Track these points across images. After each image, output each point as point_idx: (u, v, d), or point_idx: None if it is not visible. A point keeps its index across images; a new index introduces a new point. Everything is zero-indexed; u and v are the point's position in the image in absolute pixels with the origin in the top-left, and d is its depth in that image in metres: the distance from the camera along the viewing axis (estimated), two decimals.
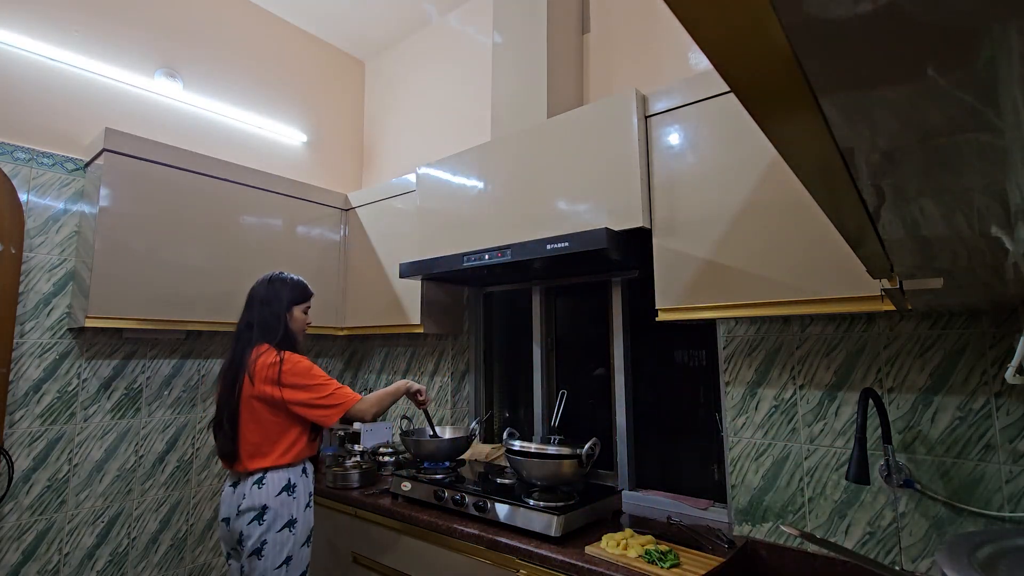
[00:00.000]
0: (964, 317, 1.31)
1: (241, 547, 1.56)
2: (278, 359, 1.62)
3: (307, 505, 1.65)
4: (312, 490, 1.69)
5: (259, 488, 1.57)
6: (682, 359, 1.94)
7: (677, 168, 1.52)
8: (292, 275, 1.81)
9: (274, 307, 1.72)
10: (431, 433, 2.04)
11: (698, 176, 1.48)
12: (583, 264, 1.86)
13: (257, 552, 1.54)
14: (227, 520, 1.62)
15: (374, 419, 1.67)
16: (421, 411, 1.94)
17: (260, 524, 1.55)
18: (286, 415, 1.62)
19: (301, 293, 1.79)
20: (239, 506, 1.57)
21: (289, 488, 1.60)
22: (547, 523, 1.50)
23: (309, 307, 1.82)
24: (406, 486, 1.91)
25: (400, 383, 1.80)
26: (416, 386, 1.82)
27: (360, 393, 1.72)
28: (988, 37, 0.24)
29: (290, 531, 1.58)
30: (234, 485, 1.62)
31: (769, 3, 0.23)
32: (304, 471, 1.67)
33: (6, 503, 1.84)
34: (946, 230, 0.51)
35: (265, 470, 1.59)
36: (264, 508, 1.56)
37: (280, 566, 1.55)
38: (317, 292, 2.55)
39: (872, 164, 0.37)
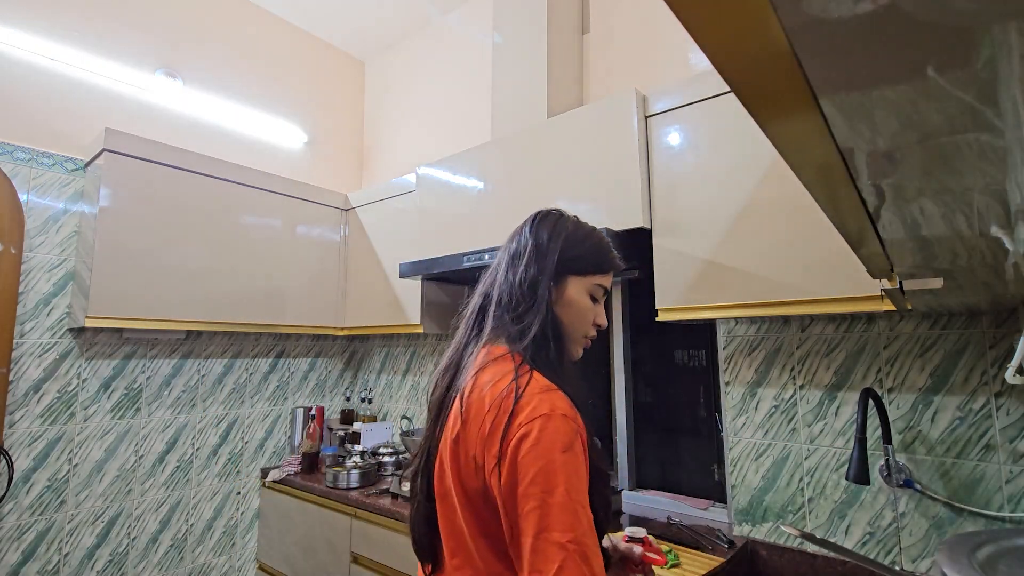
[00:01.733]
0: (964, 317, 1.31)
1: None
2: (513, 387, 0.75)
3: None
4: None
5: None
6: (682, 359, 1.94)
7: (677, 168, 1.52)
8: (583, 223, 0.97)
9: (530, 270, 0.86)
10: None
11: (698, 176, 1.48)
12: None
13: None
14: None
15: None
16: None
17: None
18: (496, 517, 0.74)
19: (593, 256, 0.91)
20: None
21: None
22: None
23: (604, 288, 0.93)
24: (406, 486, 1.91)
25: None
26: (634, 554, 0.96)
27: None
28: (988, 37, 0.24)
29: None
30: None
31: (769, 3, 0.23)
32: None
33: (6, 503, 1.84)
34: (946, 230, 0.51)
35: None
36: None
37: None
38: (317, 292, 2.58)
39: (872, 164, 0.37)
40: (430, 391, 0.90)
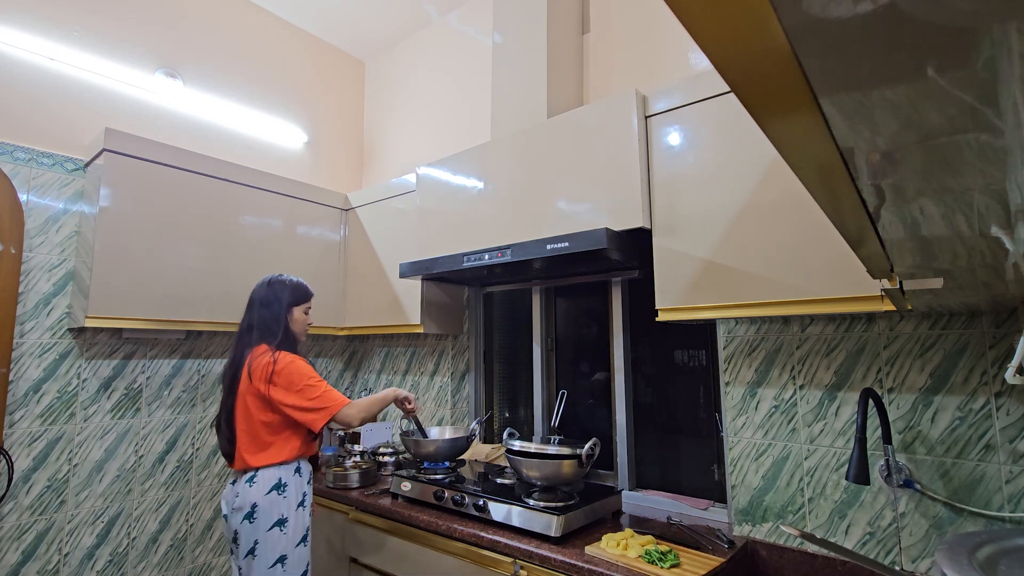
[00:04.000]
0: (964, 317, 1.31)
1: (236, 546, 1.59)
2: (272, 359, 1.63)
3: (299, 504, 1.64)
4: (307, 491, 1.68)
5: (250, 486, 1.58)
6: (682, 359, 1.94)
7: (677, 168, 1.52)
8: (291, 276, 1.82)
9: (273, 308, 1.73)
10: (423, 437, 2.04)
11: (698, 176, 1.48)
12: (583, 264, 1.86)
13: (251, 552, 1.55)
14: (225, 517, 1.65)
15: (361, 424, 1.67)
16: (411, 418, 1.96)
17: (251, 523, 1.56)
18: (279, 415, 1.62)
19: (301, 294, 1.80)
20: (233, 503, 1.60)
21: (280, 487, 1.60)
22: (547, 523, 1.50)
23: (309, 307, 1.83)
24: (406, 486, 1.91)
25: (388, 390, 1.80)
26: (404, 393, 1.82)
27: (358, 396, 1.73)
28: (988, 37, 0.24)
29: (280, 530, 1.58)
30: (233, 483, 1.65)
31: (769, 3, 0.23)
32: (298, 470, 1.67)
33: (6, 503, 1.84)
34: (946, 230, 0.51)
35: (257, 469, 1.60)
36: (254, 506, 1.56)
37: (273, 565, 1.55)
38: (317, 292, 2.55)
39: (872, 164, 0.37)
40: (225, 375, 1.72)
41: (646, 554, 1.36)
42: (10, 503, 1.85)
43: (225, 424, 1.66)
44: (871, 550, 1.38)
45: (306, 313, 1.81)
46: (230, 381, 1.68)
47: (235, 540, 1.59)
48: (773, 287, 1.32)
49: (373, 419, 1.71)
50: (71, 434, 1.99)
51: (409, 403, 1.84)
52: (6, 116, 1.94)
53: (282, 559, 1.57)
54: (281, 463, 1.63)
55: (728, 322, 1.68)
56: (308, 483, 1.70)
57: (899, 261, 0.66)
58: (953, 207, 0.45)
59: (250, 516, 1.56)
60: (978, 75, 0.26)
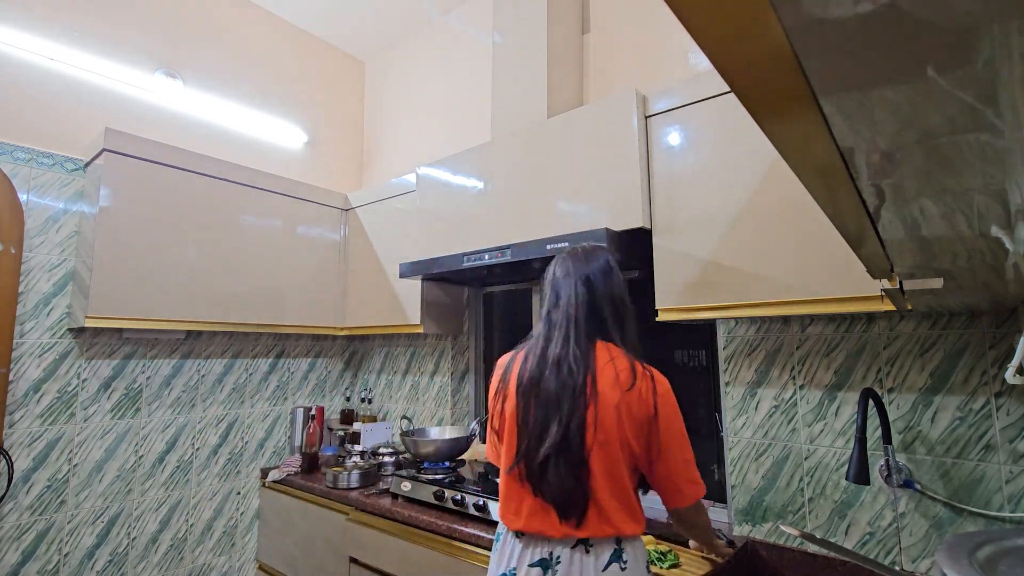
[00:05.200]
0: (964, 317, 1.31)
1: None
2: (647, 372, 1.09)
3: None
4: None
5: (622, 570, 1.03)
6: (682, 359, 1.94)
7: (677, 168, 1.52)
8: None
9: (619, 286, 1.18)
10: None
11: (698, 176, 1.48)
12: None
13: None
14: None
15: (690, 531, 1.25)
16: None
17: None
18: (627, 457, 1.06)
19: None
20: None
21: (647, 566, 1.10)
22: None
23: None
24: (406, 486, 1.91)
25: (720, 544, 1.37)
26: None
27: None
28: (988, 37, 0.24)
29: None
30: (545, 565, 1.03)
31: (769, 3, 0.23)
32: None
33: (6, 503, 1.84)
34: (946, 230, 0.51)
35: (621, 540, 1.05)
36: None
37: None
38: (317, 292, 2.58)
39: (872, 164, 0.37)
40: (559, 373, 1.08)
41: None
42: (10, 503, 1.85)
43: (575, 456, 1.02)
44: (871, 550, 1.38)
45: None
46: (580, 383, 1.06)
47: None
48: (773, 287, 1.32)
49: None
50: (71, 434, 1.99)
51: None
52: (6, 116, 1.94)
53: None
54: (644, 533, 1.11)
55: (728, 322, 1.68)
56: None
57: (899, 261, 0.66)
58: (953, 207, 0.45)
59: None
60: (978, 75, 0.26)
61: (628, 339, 1.15)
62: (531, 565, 1.04)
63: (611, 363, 1.08)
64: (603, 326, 1.13)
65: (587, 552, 1.02)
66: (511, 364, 1.18)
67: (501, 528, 1.14)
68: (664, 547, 1.40)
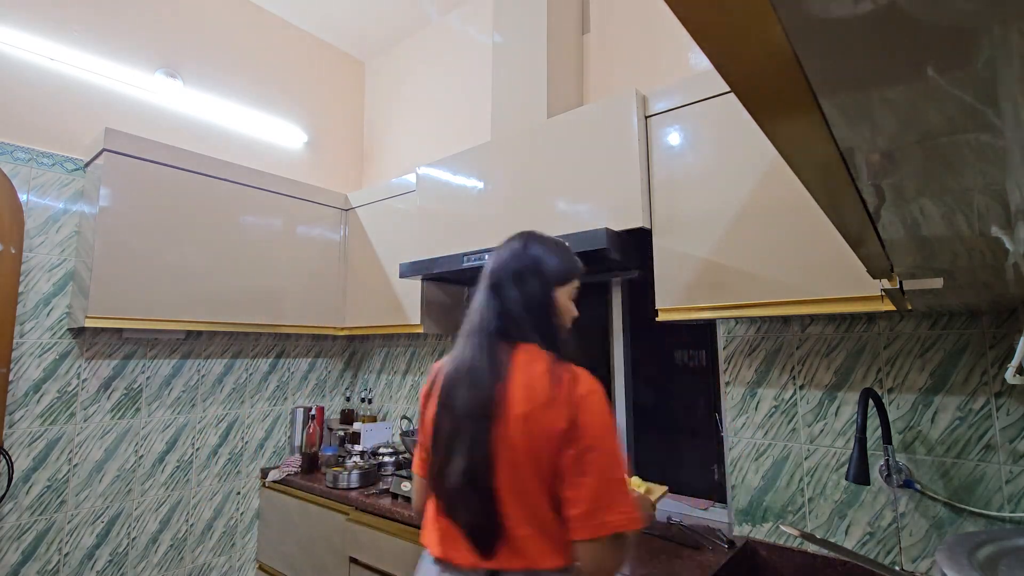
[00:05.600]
0: (964, 317, 1.31)
1: None
2: (571, 374, 0.96)
3: None
4: None
5: None
6: (682, 359, 1.94)
7: (677, 168, 1.52)
8: (552, 236, 1.16)
9: (533, 287, 1.05)
10: None
11: (698, 176, 1.48)
12: (583, 264, 1.86)
13: None
14: None
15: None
16: None
17: None
18: (550, 475, 0.91)
19: (570, 266, 1.11)
20: None
21: None
22: None
23: (578, 289, 1.15)
24: (406, 486, 1.91)
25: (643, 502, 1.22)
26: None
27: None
28: (988, 37, 0.24)
29: None
30: None
31: (769, 3, 0.23)
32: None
33: (6, 503, 1.84)
34: (946, 230, 0.51)
35: (537, 573, 0.90)
36: None
37: None
38: (317, 292, 2.58)
39: (872, 164, 0.37)
40: (463, 388, 0.98)
41: None
42: (10, 503, 1.85)
43: (480, 479, 0.92)
44: (871, 550, 1.38)
45: (572, 300, 1.13)
46: (483, 401, 0.95)
47: None
48: (773, 287, 1.32)
49: None
50: (71, 434, 1.99)
51: None
52: (6, 116, 1.93)
53: None
54: (565, 569, 0.92)
55: (728, 322, 1.68)
56: None
57: (899, 261, 0.66)
58: (953, 207, 0.45)
59: None
60: (978, 75, 0.26)
61: (553, 340, 1.02)
62: None
63: (526, 369, 0.96)
64: (521, 329, 1.02)
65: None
66: (440, 370, 1.08)
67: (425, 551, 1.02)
68: (642, 488, 1.40)
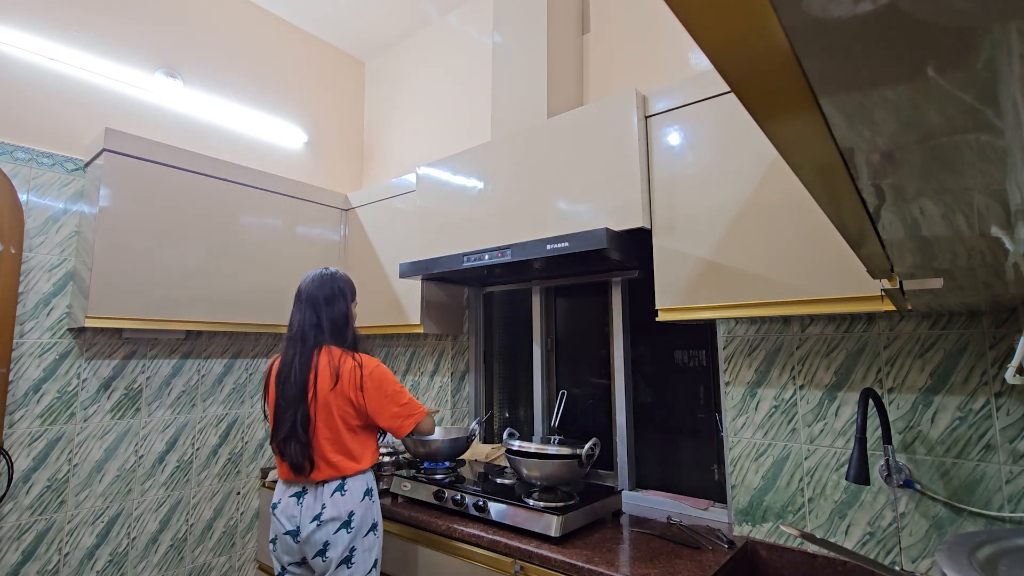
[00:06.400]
0: (964, 317, 1.31)
1: (323, 558, 1.50)
2: (356, 363, 1.58)
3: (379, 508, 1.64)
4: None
5: (342, 495, 1.52)
6: (682, 359, 1.94)
7: (677, 168, 1.52)
8: (337, 270, 1.75)
9: (340, 306, 1.65)
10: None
11: (698, 176, 1.48)
12: (583, 264, 1.86)
13: (346, 561, 1.49)
14: (295, 532, 1.52)
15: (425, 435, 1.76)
16: None
17: (348, 531, 1.50)
18: (363, 421, 1.58)
19: (353, 289, 1.74)
20: (319, 516, 1.50)
21: (370, 492, 1.58)
22: (547, 523, 1.50)
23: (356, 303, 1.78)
24: (406, 486, 1.91)
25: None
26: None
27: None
28: (988, 37, 0.24)
29: (374, 534, 1.57)
30: (298, 495, 1.54)
31: (769, 3, 0.23)
32: (377, 477, 1.71)
33: (6, 503, 1.84)
34: (946, 230, 0.51)
35: (345, 477, 1.54)
36: (351, 515, 1.51)
37: (371, 570, 1.54)
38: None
39: (872, 164, 0.37)
40: (291, 379, 1.56)
41: None
42: (10, 503, 1.85)
43: (302, 433, 1.52)
44: (871, 550, 1.38)
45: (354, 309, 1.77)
46: (302, 386, 1.55)
47: (322, 553, 1.49)
48: (773, 287, 1.32)
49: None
50: (71, 434, 1.99)
51: None
52: (6, 116, 1.94)
53: (376, 563, 1.56)
54: (368, 469, 1.60)
55: (728, 322, 1.68)
56: None
57: (899, 261, 0.66)
58: (953, 207, 0.45)
59: (347, 525, 1.50)
60: (978, 75, 0.26)
61: (346, 341, 1.64)
62: (290, 497, 1.55)
63: (329, 362, 1.57)
64: (325, 337, 1.61)
65: (322, 486, 1.53)
66: (274, 365, 1.65)
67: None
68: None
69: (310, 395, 1.54)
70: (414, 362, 2.71)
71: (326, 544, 1.49)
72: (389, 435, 2.56)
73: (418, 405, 1.65)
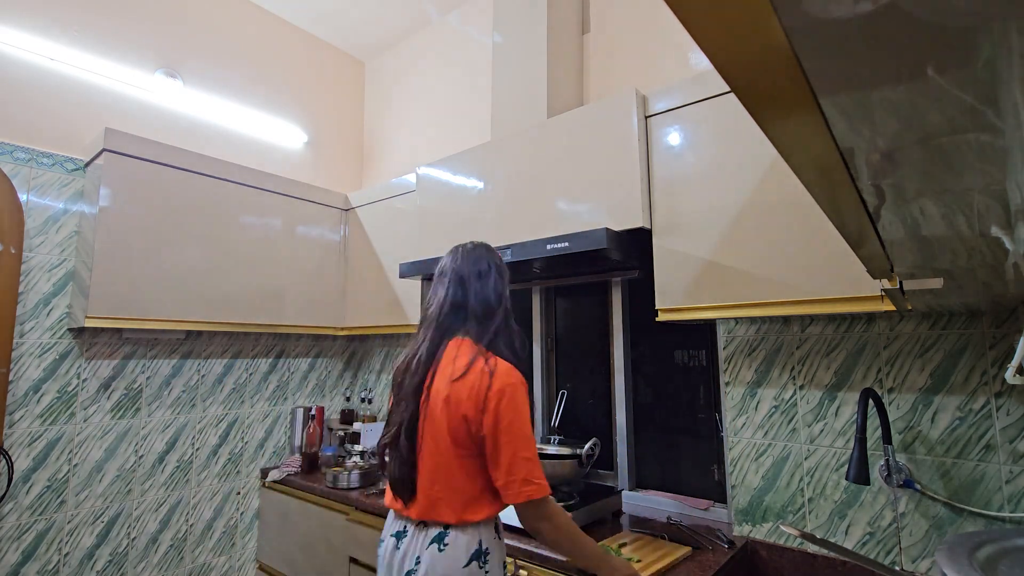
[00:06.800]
0: (964, 317, 1.31)
1: None
2: (487, 369, 1.13)
3: None
4: (504, 559, 1.21)
5: (440, 550, 1.11)
6: (682, 359, 1.94)
7: (677, 168, 1.52)
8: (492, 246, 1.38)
9: (493, 286, 1.26)
10: None
11: (698, 176, 1.48)
12: (583, 264, 1.86)
13: None
14: None
15: (541, 536, 1.14)
16: None
17: None
18: (479, 449, 1.13)
19: (508, 273, 1.34)
20: (403, 568, 1.14)
21: (481, 556, 1.12)
22: None
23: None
24: None
25: (617, 562, 1.20)
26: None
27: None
28: (988, 37, 0.24)
29: None
30: (398, 536, 1.18)
31: (769, 3, 0.23)
32: (497, 529, 1.20)
33: (6, 503, 1.84)
34: (946, 230, 0.51)
35: (448, 527, 1.13)
36: None
37: None
38: (317, 292, 2.58)
39: (872, 164, 0.37)
40: (408, 375, 1.22)
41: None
42: (10, 503, 1.85)
43: (406, 442, 1.18)
44: (871, 550, 1.38)
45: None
46: (419, 383, 1.20)
47: None
48: (773, 287, 1.32)
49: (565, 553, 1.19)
50: (71, 434, 1.99)
51: None
52: (6, 116, 1.93)
53: None
54: (482, 521, 1.14)
55: (728, 322, 1.68)
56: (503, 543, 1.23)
57: (899, 261, 0.66)
58: (953, 207, 0.45)
59: None
60: (978, 75, 0.26)
61: (490, 336, 1.22)
62: (391, 535, 1.21)
63: (455, 358, 1.17)
64: (464, 323, 1.23)
65: (424, 530, 1.15)
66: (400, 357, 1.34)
67: None
68: (633, 556, 1.40)
69: (423, 396, 1.18)
70: None
71: None
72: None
73: (543, 474, 1.12)
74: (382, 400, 2.83)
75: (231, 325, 2.21)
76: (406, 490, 1.17)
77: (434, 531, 1.13)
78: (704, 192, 1.46)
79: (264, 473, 2.50)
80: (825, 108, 0.31)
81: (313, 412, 2.53)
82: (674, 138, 1.53)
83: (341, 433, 2.64)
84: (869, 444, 1.38)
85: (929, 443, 1.33)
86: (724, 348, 1.68)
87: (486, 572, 1.12)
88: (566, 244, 1.54)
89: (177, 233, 2.07)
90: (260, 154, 2.72)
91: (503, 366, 1.14)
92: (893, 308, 1.15)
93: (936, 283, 0.76)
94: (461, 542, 1.11)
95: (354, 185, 3.17)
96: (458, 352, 1.19)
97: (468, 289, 1.24)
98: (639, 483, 1.98)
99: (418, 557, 1.12)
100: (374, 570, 1.89)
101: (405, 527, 1.18)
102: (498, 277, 1.27)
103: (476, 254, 1.28)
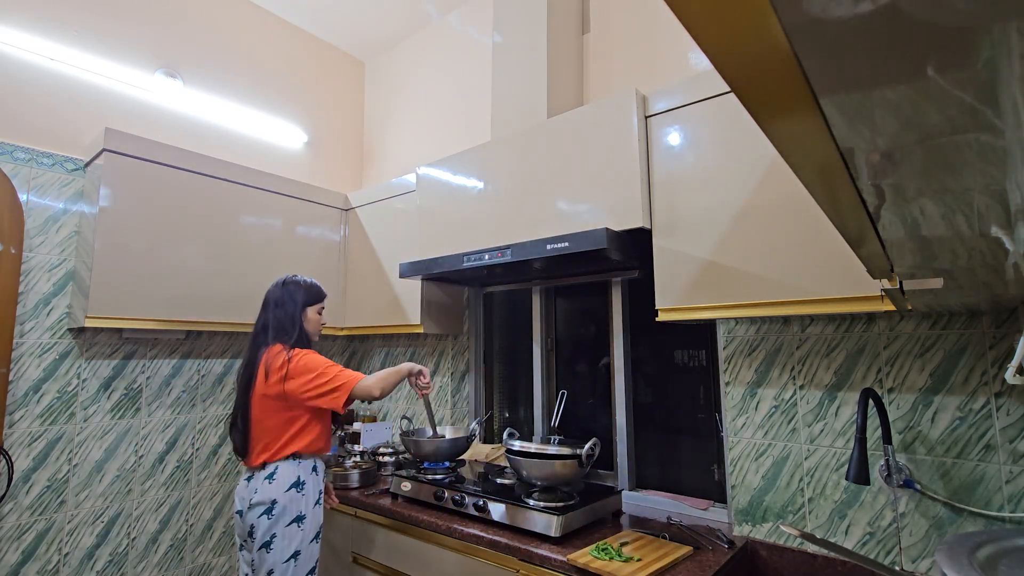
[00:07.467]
0: (964, 317, 1.31)
1: (251, 539, 1.61)
2: (287, 357, 1.67)
3: (316, 503, 1.68)
4: (322, 488, 1.72)
5: (270, 483, 1.62)
6: (682, 359, 1.94)
7: (677, 168, 1.52)
8: (305, 277, 1.86)
9: (288, 308, 1.77)
10: (431, 432, 2.04)
11: (698, 176, 1.48)
12: (583, 264, 1.86)
13: (266, 545, 1.58)
14: (240, 512, 1.66)
15: (381, 396, 1.68)
16: (421, 399, 1.93)
17: (269, 518, 1.59)
18: (297, 409, 1.67)
19: (315, 294, 1.84)
20: (251, 499, 1.62)
21: (298, 484, 1.64)
22: (547, 523, 1.50)
23: (323, 308, 1.87)
24: (406, 486, 1.91)
25: (404, 364, 1.78)
26: (418, 367, 1.79)
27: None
28: (988, 37, 0.24)
29: (298, 526, 1.61)
30: (248, 479, 1.68)
31: (769, 3, 0.23)
32: (315, 469, 1.70)
33: (6, 503, 1.84)
34: (946, 230, 0.51)
35: (276, 465, 1.64)
36: (273, 502, 1.60)
37: (288, 560, 1.59)
38: None
39: (872, 164, 0.37)
40: (241, 375, 1.75)
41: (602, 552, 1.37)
42: (10, 503, 1.85)
43: (241, 421, 1.71)
44: (871, 550, 1.38)
45: (319, 313, 1.86)
46: (246, 381, 1.72)
47: (250, 534, 1.61)
48: (773, 287, 1.32)
49: (390, 391, 1.72)
50: (71, 434, 1.99)
51: (424, 378, 1.80)
52: (6, 116, 1.93)
53: (296, 554, 1.60)
54: (299, 460, 1.67)
55: (728, 322, 1.68)
56: (323, 480, 1.75)
57: (899, 261, 0.66)
58: (953, 207, 0.45)
59: (268, 512, 1.59)
60: (978, 75, 0.26)
61: (287, 338, 1.74)
62: (244, 479, 1.69)
63: (266, 360, 1.69)
64: (271, 336, 1.74)
65: (261, 471, 1.65)
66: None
67: None
68: (635, 556, 1.40)
69: (252, 388, 1.69)
70: (414, 362, 2.71)
71: (252, 527, 1.61)
72: (391, 435, 2.57)
73: (350, 375, 1.66)
74: (382, 400, 2.83)
75: (231, 325, 2.21)
76: (243, 452, 1.71)
77: (269, 469, 1.65)
78: (704, 192, 1.46)
79: None
80: (825, 108, 0.31)
81: None
82: (674, 138, 1.53)
83: (341, 433, 2.64)
84: (869, 444, 1.38)
85: (929, 443, 1.33)
86: (724, 348, 1.68)
87: (302, 494, 1.64)
88: (566, 244, 1.54)
89: (177, 233, 2.07)
90: (260, 154, 2.72)
91: (302, 350, 1.71)
92: (893, 308, 1.15)
93: (936, 283, 0.76)
94: (285, 473, 1.64)
95: (354, 185, 3.17)
96: (269, 354, 1.71)
97: (269, 314, 1.78)
98: (639, 483, 1.98)
99: (255, 488, 1.62)
100: (376, 569, 1.90)
101: (252, 473, 1.68)
102: (291, 303, 1.79)
103: (275, 287, 1.83)
